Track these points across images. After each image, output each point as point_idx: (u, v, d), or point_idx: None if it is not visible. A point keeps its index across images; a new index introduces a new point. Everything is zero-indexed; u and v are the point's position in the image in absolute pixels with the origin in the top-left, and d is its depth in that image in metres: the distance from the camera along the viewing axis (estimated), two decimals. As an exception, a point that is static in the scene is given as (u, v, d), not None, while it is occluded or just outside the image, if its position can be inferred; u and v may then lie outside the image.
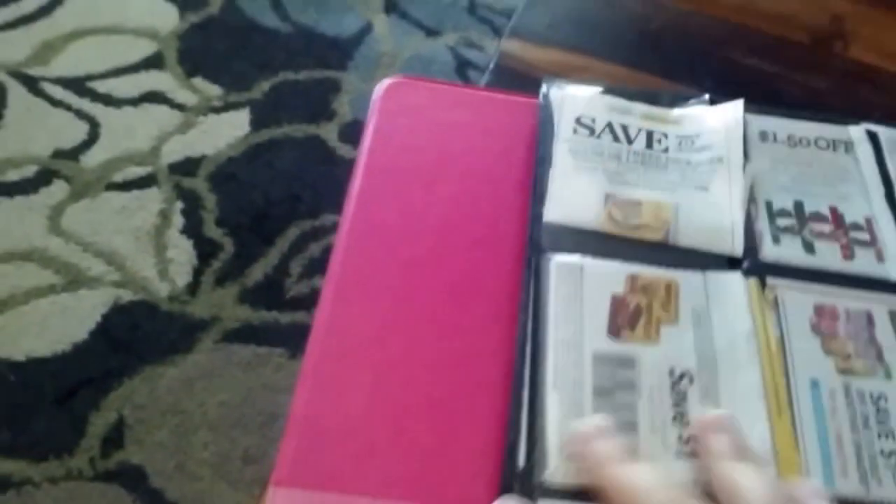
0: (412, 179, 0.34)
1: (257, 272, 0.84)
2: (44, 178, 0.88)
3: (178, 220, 0.86)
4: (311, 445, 0.27)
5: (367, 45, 1.05)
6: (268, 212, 0.88)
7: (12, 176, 0.88)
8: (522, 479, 0.27)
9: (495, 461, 0.27)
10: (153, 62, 0.99)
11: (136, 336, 0.79)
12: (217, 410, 0.76)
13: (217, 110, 0.96)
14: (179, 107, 0.95)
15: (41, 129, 0.92)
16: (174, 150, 0.91)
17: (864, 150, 0.37)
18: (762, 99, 0.39)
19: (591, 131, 0.35)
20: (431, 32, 1.07)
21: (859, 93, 0.43)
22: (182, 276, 0.83)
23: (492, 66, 0.40)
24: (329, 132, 0.94)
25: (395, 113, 0.36)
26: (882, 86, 0.44)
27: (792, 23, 0.46)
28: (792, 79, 0.43)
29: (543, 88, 0.36)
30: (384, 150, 0.35)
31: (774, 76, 0.43)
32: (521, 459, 0.27)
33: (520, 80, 0.39)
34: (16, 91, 0.94)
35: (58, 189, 0.87)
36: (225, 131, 0.94)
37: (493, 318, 0.30)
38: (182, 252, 0.84)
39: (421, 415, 0.28)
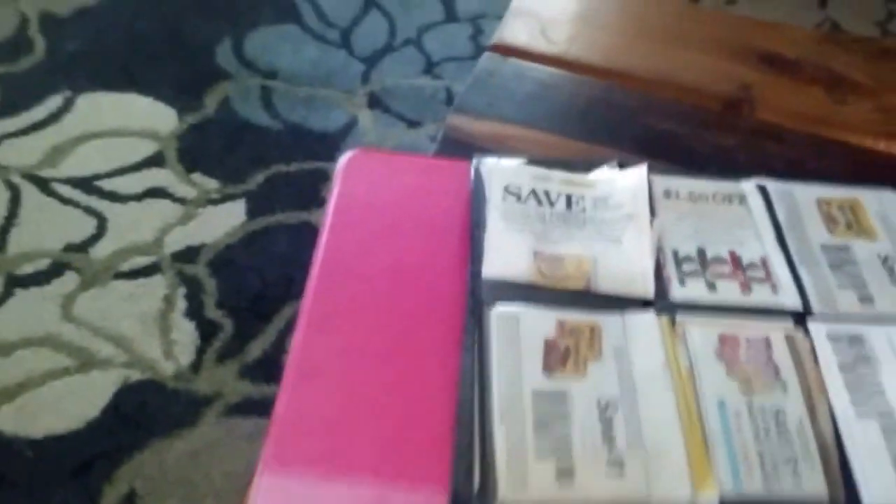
0: (370, 235, 0.40)
1: (256, 349, 0.90)
2: (56, 270, 0.94)
3: (181, 304, 0.92)
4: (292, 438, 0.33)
5: (353, 137, 1.12)
6: (264, 293, 0.95)
7: (27, 269, 0.94)
8: (476, 500, 0.31)
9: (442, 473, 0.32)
10: (155, 160, 1.06)
11: (145, 412, 0.84)
12: (223, 480, 0.81)
13: (215, 202, 1.03)
14: (180, 200, 1.02)
15: (53, 226, 0.98)
16: (176, 240, 0.98)
17: (756, 202, 0.43)
18: (678, 158, 0.46)
19: (518, 197, 0.41)
20: (413, 124, 1.15)
21: (765, 147, 0.50)
22: (186, 356, 0.88)
23: (440, 136, 0.47)
24: (320, 217, 1.01)
25: (356, 180, 0.43)
26: (784, 140, 0.51)
27: (704, 92, 0.53)
28: (704, 139, 0.50)
29: (475, 162, 0.43)
30: (346, 210, 0.41)
31: (689, 137, 0.50)
32: (475, 484, 0.31)
33: (464, 148, 0.46)
34: (29, 192, 1.01)
35: (69, 280, 0.93)
36: (223, 221, 1.01)
37: (440, 361, 0.35)
38: (185, 333, 0.90)
39: (382, 422, 0.34)
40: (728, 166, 0.49)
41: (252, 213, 1.02)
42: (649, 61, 0.55)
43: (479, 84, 0.52)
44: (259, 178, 1.06)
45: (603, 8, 0.58)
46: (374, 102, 1.17)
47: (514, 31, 0.55)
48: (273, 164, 1.08)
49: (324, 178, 1.06)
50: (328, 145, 1.11)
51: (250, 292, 0.95)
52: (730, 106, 0.53)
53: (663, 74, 0.54)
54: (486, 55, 0.54)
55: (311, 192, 1.05)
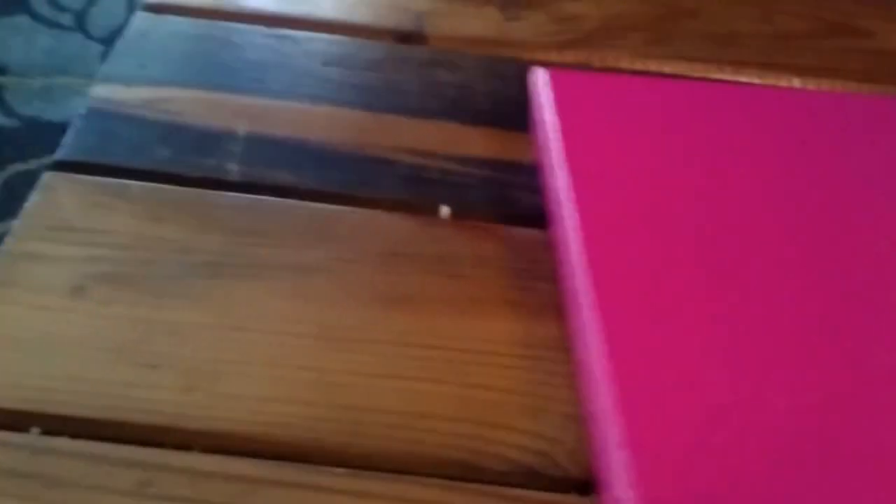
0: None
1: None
2: None
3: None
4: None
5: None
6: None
7: None
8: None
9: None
10: None
11: None
12: None
13: (-54, 215, 0.95)
14: None
15: None
16: None
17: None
18: (356, 100, 0.43)
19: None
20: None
21: (437, 76, 0.48)
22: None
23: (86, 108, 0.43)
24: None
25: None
26: (457, 67, 0.49)
27: (375, 28, 0.51)
28: (376, 77, 0.48)
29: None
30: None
31: (359, 77, 0.48)
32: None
33: (111, 118, 0.42)
34: None
35: None
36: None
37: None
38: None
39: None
40: (401, 101, 0.47)
41: (-11, 220, 0.94)
42: (314, 4, 0.52)
43: (130, 47, 0.48)
44: (-6, 182, 0.98)
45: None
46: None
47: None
48: (9, 165, 1.00)
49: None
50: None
51: None
52: (402, 39, 0.52)
53: (330, 15, 0.52)
54: (139, 14, 0.50)
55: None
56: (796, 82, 0.51)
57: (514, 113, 0.47)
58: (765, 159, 0.41)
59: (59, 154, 0.41)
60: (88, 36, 1.16)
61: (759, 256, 0.36)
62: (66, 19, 1.17)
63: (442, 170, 0.44)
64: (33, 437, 0.31)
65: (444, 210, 0.42)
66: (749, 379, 0.31)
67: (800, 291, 0.34)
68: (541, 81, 0.45)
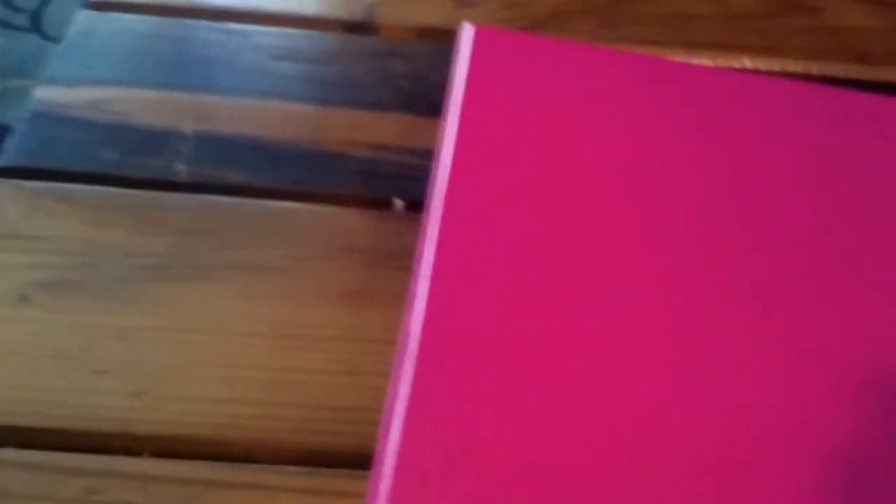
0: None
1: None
2: None
3: None
4: None
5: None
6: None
7: None
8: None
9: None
10: None
11: None
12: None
13: None
14: None
15: None
16: None
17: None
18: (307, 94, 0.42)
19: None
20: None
21: (390, 67, 0.48)
22: None
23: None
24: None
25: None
26: (408, 58, 0.49)
27: (325, 19, 0.50)
28: (327, 70, 0.48)
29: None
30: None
31: (311, 71, 0.47)
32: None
33: (55, 122, 0.41)
34: None
35: None
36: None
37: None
38: None
39: None
40: (354, 93, 0.47)
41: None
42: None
43: (73, 47, 0.47)
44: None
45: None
46: None
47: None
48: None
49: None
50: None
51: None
52: (353, 29, 0.51)
53: (279, 7, 0.51)
54: (82, 13, 0.49)
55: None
56: (747, 62, 0.51)
57: (466, 102, 0.46)
58: (674, 137, 0.39)
59: (2, 160, 0.41)
60: (44, 36, 1.15)
61: (645, 249, 0.33)
62: (21, 20, 1.15)
63: (396, 163, 0.43)
64: (-22, 449, 0.30)
65: (398, 203, 0.41)
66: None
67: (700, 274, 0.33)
68: (465, 37, 0.42)
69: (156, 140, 0.42)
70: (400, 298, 0.36)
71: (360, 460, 0.31)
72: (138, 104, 0.44)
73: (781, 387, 0.29)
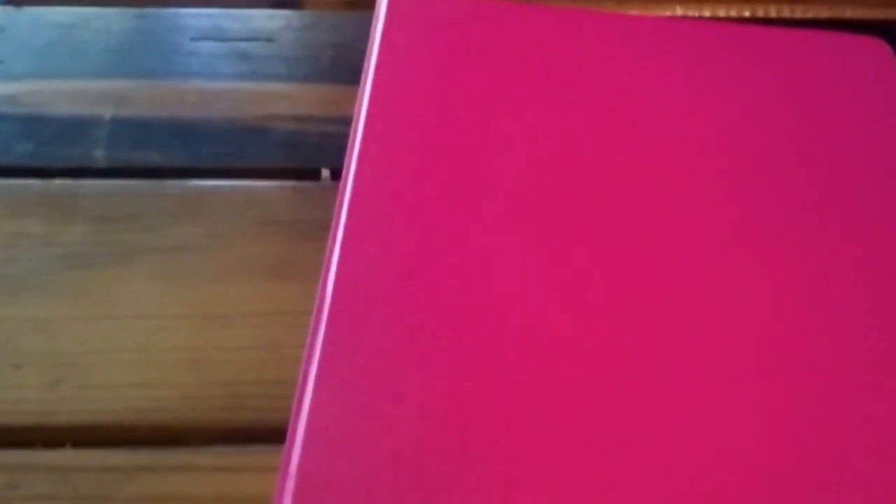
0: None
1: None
2: None
3: None
4: None
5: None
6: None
7: None
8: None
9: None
10: None
11: None
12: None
13: None
14: None
15: None
16: None
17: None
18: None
19: None
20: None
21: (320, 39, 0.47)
22: None
23: None
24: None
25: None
26: (336, 29, 0.48)
27: None
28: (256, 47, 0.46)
29: None
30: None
31: (241, 49, 0.46)
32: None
33: None
34: None
35: None
36: None
37: None
38: None
39: None
40: (277, 68, 0.46)
41: None
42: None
43: None
44: None
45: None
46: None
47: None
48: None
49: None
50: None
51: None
52: (278, 4, 0.50)
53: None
54: (-3, 9, 0.48)
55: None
56: (678, 10, 0.50)
57: (390, 68, 0.45)
58: (609, 89, 0.37)
59: (-86, 159, 0.40)
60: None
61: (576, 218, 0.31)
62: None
63: (321, 133, 0.43)
64: None
65: (325, 173, 0.40)
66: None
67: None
68: (381, 2, 0.40)
69: (74, 130, 0.42)
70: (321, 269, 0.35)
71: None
72: (56, 96, 0.43)
73: (771, 327, 0.28)
